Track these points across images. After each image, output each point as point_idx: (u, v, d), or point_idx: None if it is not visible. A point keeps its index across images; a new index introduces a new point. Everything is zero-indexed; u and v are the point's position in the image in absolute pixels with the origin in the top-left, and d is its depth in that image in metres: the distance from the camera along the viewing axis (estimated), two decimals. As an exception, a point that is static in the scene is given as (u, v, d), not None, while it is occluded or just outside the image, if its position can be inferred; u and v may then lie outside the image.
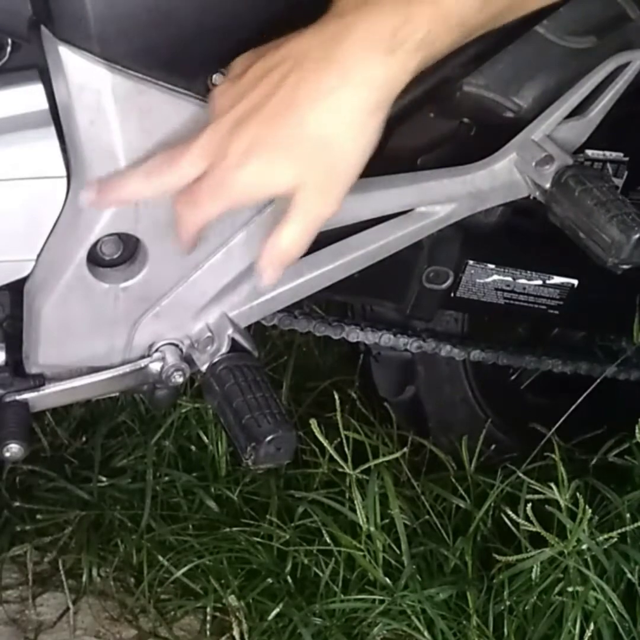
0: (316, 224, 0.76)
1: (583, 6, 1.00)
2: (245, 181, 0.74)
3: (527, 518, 1.17)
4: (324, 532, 1.28)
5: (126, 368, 0.96)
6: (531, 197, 1.00)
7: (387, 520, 1.26)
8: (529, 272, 1.24)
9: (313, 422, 1.19)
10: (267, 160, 0.73)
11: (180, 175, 0.76)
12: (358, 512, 1.23)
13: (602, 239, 0.92)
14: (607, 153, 1.14)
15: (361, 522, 1.24)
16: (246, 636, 1.24)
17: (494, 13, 0.72)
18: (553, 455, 1.21)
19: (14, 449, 0.91)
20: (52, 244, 0.87)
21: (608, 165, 1.15)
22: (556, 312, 1.27)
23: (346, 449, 1.23)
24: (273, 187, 0.75)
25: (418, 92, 0.98)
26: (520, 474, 1.24)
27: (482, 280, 1.22)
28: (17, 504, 1.37)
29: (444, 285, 1.21)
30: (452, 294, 1.22)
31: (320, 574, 1.27)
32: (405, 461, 1.34)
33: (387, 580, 1.23)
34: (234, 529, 1.32)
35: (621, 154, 1.15)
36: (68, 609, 1.30)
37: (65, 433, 1.49)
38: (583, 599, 1.16)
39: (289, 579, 1.28)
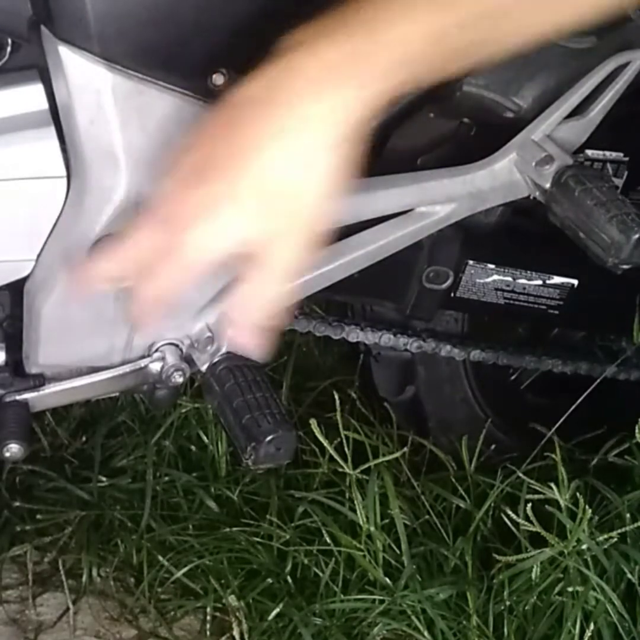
0: (288, 274, 0.67)
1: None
2: (197, 244, 0.65)
3: (527, 518, 1.17)
4: (324, 532, 1.28)
5: (126, 368, 0.96)
6: (531, 197, 1.00)
7: (387, 520, 1.26)
8: (529, 272, 1.24)
9: (313, 422, 1.19)
10: (219, 217, 0.65)
11: (136, 249, 0.68)
12: (358, 512, 1.23)
13: (602, 239, 0.92)
14: (607, 153, 1.14)
15: (361, 522, 1.24)
16: (246, 636, 1.24)
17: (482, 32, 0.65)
18: (553, 455, 1.21)
19: (14, 449, 0.91)
20: (52, 244, 0.87)
21: (608, 165, 1.15)
22: (556, 312, 1.28)
23: (346, 449, 1.23)
24: (229, 246, 0.66)
25: (418, 92, 0.98)
26: (520, 474, 1.24)
27: (482, 280, 1.22)
28: (17, 504, 1.37)
29: (444, 285, 1.21)
30: (452, 294, 1.22)
31: (320, 574, 1.27)
32: (405, 461, 1.34)
33: (387, 580, 1.23)
34: (234, 529, 1.32)
35: (621, 154, 1.15)
36: (68, 609, 1.30)
37: (65, 433, 1.49)
38: (583, 599, 1.16)
39: (289, 579, 1.28)
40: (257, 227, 0.65)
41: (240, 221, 0.65)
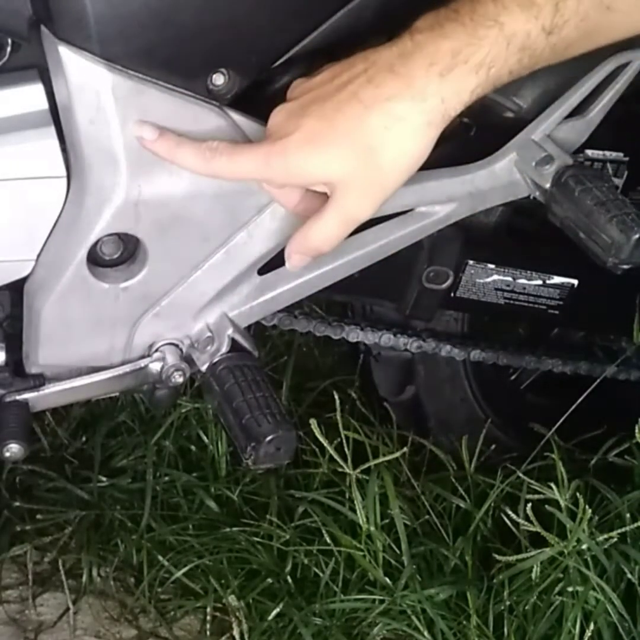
0: (349, 224, 0.79)
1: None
2: (296, 164, 0.77)
3: (527, 518, 1.17)
4: (324, 532, 1.28)
5: (126, 368, 0.96)
6: (531, 197, 1.00)
7: (387, 520, 1.26)
8: (529, 272, 1.24)
9: (313, 422, 1.19)
10: (320, 147, 0.76)
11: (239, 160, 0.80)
12: (358, 512, 1.23)
13: (602, 239, 0.92)
14: (607, 153, 1.14)
15: (361, 522, 1.23)
16: (246, 636, 1.24)
17: (562, 41, 0.73)
18: (553, 455, 1.21)
19: (14, 449, 0.91)
20: (52, 244, 0.87)
21: (608, 165, 1.15)
22: (556, 312, 1.27)
23: (346, 449, 1.23)
24: (319, 174, 0.77)
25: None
26: (520, 474, 1.24)
27: (482, 280, 1.22)
28: (17, 504, 1.38)
29: (444, 285, 1.20)
30: (452, 294, 1.22)
31: (320, 574, 1.27)
32: (405, 461, 1.34)
33: (387, 580, 1.23)
34: (234, 529, 1.33)
35: (621, 154, 1.15)
36: (68, 609, 1.30)
37: (65, 433, 1.49)
38: (583, 599, 1.16)
39: (289, 579, 1.28)
40: (346, 169, 0.76)
41: (337, 158, 0.76)
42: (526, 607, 1.20)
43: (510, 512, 1.20)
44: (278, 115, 0.80)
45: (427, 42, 0.74)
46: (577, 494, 1.15)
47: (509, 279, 1.23)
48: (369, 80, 0.75)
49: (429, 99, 0.73)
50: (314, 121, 0.76)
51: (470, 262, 1.20)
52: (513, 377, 1.54)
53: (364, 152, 0.75)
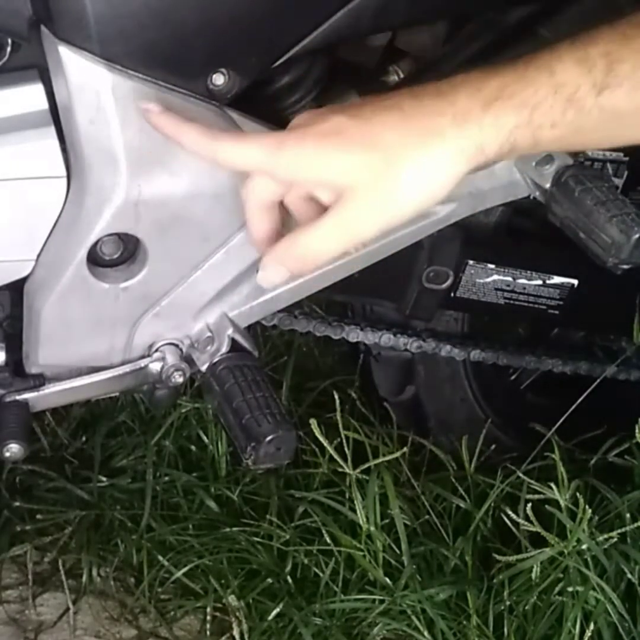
0: (348, 239, 0.73)
1: (583, 6, 1.00)
2: (309, 156, 0.72)
3: (527, 518, 1.17)
4: (324, 532, 1.28)
5: (126, 368, 0.96)
6: (531, 197, 1.00)
7: (387, 520, 1.26)
8: (529, 272, 1.24)
9: (313, 422, 1.19)
10: (341, 144, 0.71)
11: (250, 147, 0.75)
12: (358, 512, 1.23)
13: (602, 239, 0.91)
14: (607, 153, 1.14)
15: (361, 522, 1.24)
16: (246, 636, 1.24)
17: (612, 106, 0.70)
18: (553, 455, 1.21)
19: (14, 449, 0.91)
20: (52, 244, 0.87)
21: (608, 165, 1.15)
22: (556, 312, 1.27)
23: (346, 449, 1.23)
24: (330, 173, 0.72)
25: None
26: (520, 474, 1.24)
27: (482, 280, 1.22)
28: (17, 504, 1.38)
29: (444, 285, 1.20)
30: (452, 294, 1.22)
31: (320, 574, 1.27)
32: (405, 461, 1.34)
33: (387, 580, 1.23)
34: (234, 529, 1.33)
35: (621, 154, 1.15)
36: (68, 609, 1.30)
37: (65, 433, 1.49)
38: (583, 599, 1.16)
39: (289, 579, 1.28)
40: (359, 169, 0.70)
41: (352, 157, 0.70)
42: (526, 607, 1.20)
43: (510, 512, 1.20)
44: (302, 116, 0.75)
45: (476, 76, 0.72)
46: (577, 494, 1.15)
47: (509, 279, 1.23)
48: (413, 96, 0.72)
49: (468, 123, 0.70)
50: (346, 118, 0.72)
51: (470, 262, 1.20)
52: (513, 377, 1.54)
53: (386, 160, 0.70)
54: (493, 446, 1.41)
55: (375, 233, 0.73)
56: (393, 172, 0.70)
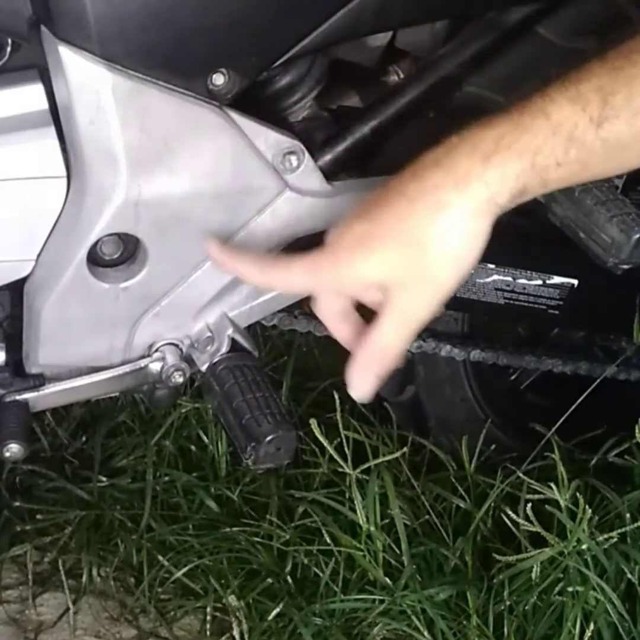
0: (409, 326, 0.76)
1: (583, 6, 1.00)
2: (347, 267, 0.75)
3: (527, 518, 1.17)
4: (324, 532, 1.28)
5: (126, 368, 0.96)
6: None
7: (387, 520, 1.26)
8: (529, 272, 1.24)
9: (313, 422, 1.19)
10: (369, 248, 0.74)
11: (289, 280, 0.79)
12: (358, 512, 1.23)
13: (602, 239, 0.92)
14: (607, 153, 1.14)
15: (361, 522, 1.23)
16: (246, 636, 1.24)
17: (614, 138, 0.70)
18: (553, 455, 1.21)
19: (14, 449, 0.91)
20: (52, 244, 0.87)
21: (608, 165, 1.15)
22: (556, 312, 1.27)
23: (346, 449, 1.23)
24: (370, 276, 0.74)
25: (418, 92, 0.98)
26: (520, 474, 1.24)
27: (482, 280, 1.22)
28: (17, 504, 1.38)
29: (444, 285, 1.20)
30: (452, 294, 1.22)
31: (320, 574, 1.27)
32: (405, 461, 1.34)
33: (387, 580, 1.23)
34: (234, 529, 1.32)
35: (621, 154, 1.15)
36: (68, 609, 1.30)
37: (65, 433, 1.49)
38: (583, 599, 1.16)
39: (289, 579, 1.28)
40: (393, 264, 0.73)
41: (383, 256, 0.73)
42: (526, 607, 1.20)
43: (510, 512, 1.20)
44: (333, 232, 0.78)
45: (472, 134, 0.72)
46: (577, 494, 1.15)
47: (509, 279, 1.23)
48: (413, 176, 0.74)
49: (472, 184, 0.71)
50: (362, 223, 0.75)
51: (470, 262, 1.20)
52: (513, 377, 1.54)
53: (412, 247, 0.73)
54: (493, 446, 1.41)
55: (430, 310, 0.76)
56: (423, 254, 0.73)
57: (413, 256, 0.73)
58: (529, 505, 1.17)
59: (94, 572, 1.33)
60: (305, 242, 0.93)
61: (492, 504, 1.28)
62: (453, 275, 0.75)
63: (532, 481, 1.21)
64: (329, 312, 0.81)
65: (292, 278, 0.77)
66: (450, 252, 0.73)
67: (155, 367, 0.97)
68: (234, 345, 0.97)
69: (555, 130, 0.70)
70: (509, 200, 0.72)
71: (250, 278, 0.81)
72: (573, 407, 1.30)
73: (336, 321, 0.81)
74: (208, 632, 1.27)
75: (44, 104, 0.84)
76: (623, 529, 1.17)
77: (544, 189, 0.72)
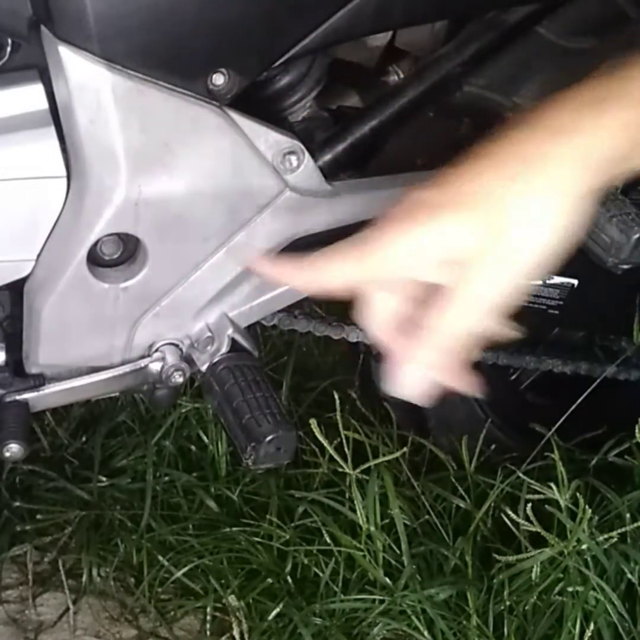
0: (484, 310, 0.62)
1: (583, 6, 1.00)
2: (400, 235, 0.62)
3: (527, 518, 1.17)
4: (324, 532, 1.28)
5: (126, 368, 0.96)
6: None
7: (387, 520, 1.26)
8: (529, 272, 1.23)
9: (313, 422, 1.19)
10: (439, 219, 0.61)
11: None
12: (358, 512, 1.23)
13: (602, 239, 0.92)
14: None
15: (361, 522, 1.23)
16: (246, 636, 1.24)
17: None
18: (553, 455, 1.21)
19: (14, 449, 0.91)
20: (52, 244, 0.87)
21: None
22: (556, 312, 1.27)
23: (346, 449, 1.23)
24: (441, 248, 0.61)
25: (418, 92, 0.98)
26: (520, 474, 1.24)
27: (482, 280, 1.22)
28: (17, 504, 1.37)
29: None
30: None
31: (320, 574, 1.27)
32: (405, 461, 1.34)
33: (387, 580, 1.23)
34: (234, 529, 1.32)
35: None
36: (68, 609, 1.30)
37: (65, 433, 1.49)
38: (583, 599, 1.16)
39: (289, 579, 1.28)
40: (472, 236, 0.60)
41: (459, 226, 0.61)
42: (526, 607, 1.20)
43: (510, 512, 1.20)
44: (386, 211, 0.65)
45: (562, 95, 0.62)
46: (577, 494, 1.15)
47: (509, 279, 1.23)
48: (499, 143, 0.62)
49: (573, 132, 0.60)
50: (425, 191, 0.62)
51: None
52: (513, 377, 1.54)
53: (496, 209, 0.61)
54: (493, 446, 1.41)
55: (506, 293, 0.62)
56: (505, 216, 0.61)
57: (494, 217, 0.60)
58: (529, 505, 1.17)
59: (94, 572, 1.33)
60: (305, 242, 0.93)
61: (492, 504, 1.28)
62: (543, 244, 0.62)
63: (532, 481, 1.21)
64: (379, 320, 0.66)
65: (336, 270, 0.64)
66: (539, 217, 0.61)
67: (155, 367, 0.97)
68: (234, 345, 0.97)
69: None
70: (623, 156, 0.60)
71: (296, 281, 0.68)
72: (573, 407, 1.30)
73: (387, 328, 0.66)
74: (208, 632, 1.27)
75: (44, 104, 0.84)
76: (623, 529, 1.17)
77: None
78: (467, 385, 0.66)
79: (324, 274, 0.65)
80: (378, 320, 0.67)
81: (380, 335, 0.67)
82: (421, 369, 0.63)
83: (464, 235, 0.61)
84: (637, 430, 1.22)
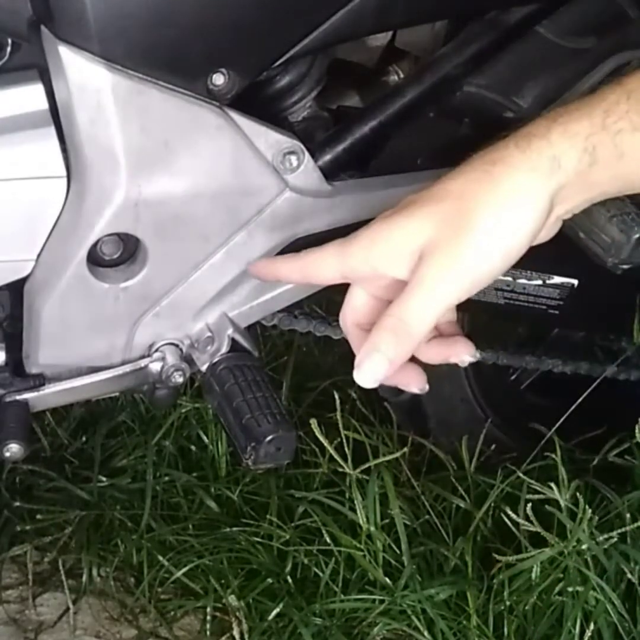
0: (438, 302, 0.66)
1: (583, 6, 1.00)
2: (378, 236, 0.68)
3: (527, 518, 1.17)
4: (324, 532, 1.28)
5: (126, 368, 0.96)
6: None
7: (387, 520, 1.26)
8: (529, 272, 1.23)
9: (313, 422, 1.19)
10: (408, 211, 0.67)
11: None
12: (358, 512, 1.23)
13: (602, 239, 0.92)
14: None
15: (361, 522, 1.24)
16: (246, 636, 1.24)
17: None
18: (553, 455, 1.21)
19: (14, 449, 0.91)
20: (52, 244, 0.87)
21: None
22: (556, 312, 1.27)
23: (346, 449, 1.23)
24: (405, 235, 0.66)
25: (418, 92, 0.98)
26: (520, 474, 1.24)
27: (482, 280, 1.22)
28: (17, 504, 1.38)
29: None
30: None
31: (320, 574, 1.27)
32: (405, 461, 1.34)
33: (387, 580, 1.23)
34: (234, 529, 1.33)
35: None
36: (68, 609, 1.30)
37: (65, 433, 1.49)
38: (583, 599, 1.16)
39: (289, 579, 1.28)
40: (433, 225, 0.65)
41: (424, 218, 0.66)
42: (526, 607, 1.20)
43: (510, 512, 1.20)
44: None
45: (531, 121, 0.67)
46: (577, 494, 1.15)
47: (509, 279, 1.23)
48: (477, 156, 0.68)
49: (533, 143, 0.64)
50: (413, 196, 0.68)
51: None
52: (513, 377, 1.54)
53: (459, 209, 0.65)
54: (493, 446, 1.41)
55: (461, 292, 0.66)
56: (468, 215, 0.65)
57: (456, 216, 0.65)
58: (529, 505, 1.17)
59: (94, 572, 1.33)
60: (305, 242, 0.93)
61: (492, 504, 1.28)
62: (497, 248, 0.66)
63: (532, 481, 1.21)
64: (352, 314, 0.72)
65: (322, 265, 0.70)
66: (499, 218, 0.65)
67: (155, 367, 0.97)
68: (234, 345, 0.97)
69: (630, 94, 0.64)
70: (575, 168, 0.64)
71: (290, 275, 0.75)
72: (573, 407, 1.30)
73: (358, 332, 0.72)
74: (208, 632, 1.27)
75: (44, 104, 0.84)
76: (623, 529, 1.17)
77: (619, 159, 0.64)
78: (411, 379, 0.70)
79: (310, 267, 0.71)
80: (349, 313, 0.72)
81: (347, 327, 0.72)
82: (381, 358, 0.66)
83: (425, 227, 0.65)
84: (637, 430, 1.22)
